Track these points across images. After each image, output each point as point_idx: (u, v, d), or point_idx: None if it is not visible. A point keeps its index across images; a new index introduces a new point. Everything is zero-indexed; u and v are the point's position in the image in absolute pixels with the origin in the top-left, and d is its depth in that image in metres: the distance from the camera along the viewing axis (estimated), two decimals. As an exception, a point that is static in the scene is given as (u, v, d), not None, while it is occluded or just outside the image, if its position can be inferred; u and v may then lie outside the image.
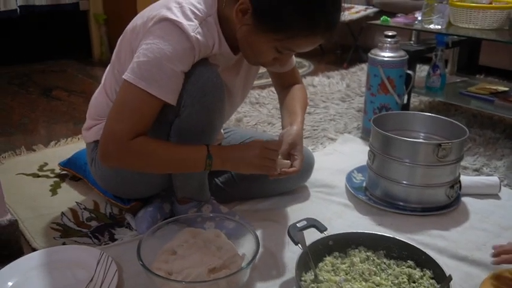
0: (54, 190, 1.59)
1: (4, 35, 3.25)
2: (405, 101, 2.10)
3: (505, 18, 2.02)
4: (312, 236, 1.11)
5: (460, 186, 1.49)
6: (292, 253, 1.19)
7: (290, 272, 1.15)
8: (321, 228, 1.12)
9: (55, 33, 3.48)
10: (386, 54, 1.91)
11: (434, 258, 1.07)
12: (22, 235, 1.31)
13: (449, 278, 0.98)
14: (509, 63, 2.93)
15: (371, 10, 3.49)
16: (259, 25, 1.05)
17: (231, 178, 1.45)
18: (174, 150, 1.16)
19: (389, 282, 1.05)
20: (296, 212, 1.43)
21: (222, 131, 1.48)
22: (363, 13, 3.44)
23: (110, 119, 1.11)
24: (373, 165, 1.49)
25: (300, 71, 3.24)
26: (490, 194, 1.54)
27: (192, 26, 1.07)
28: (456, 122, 1.53)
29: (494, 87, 2.24)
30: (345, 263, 1.10)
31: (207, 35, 1.11)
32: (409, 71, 2.01)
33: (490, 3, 2.05)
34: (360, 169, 1.66)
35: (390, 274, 1.08)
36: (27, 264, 1.15)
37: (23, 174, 1.69)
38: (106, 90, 1.29)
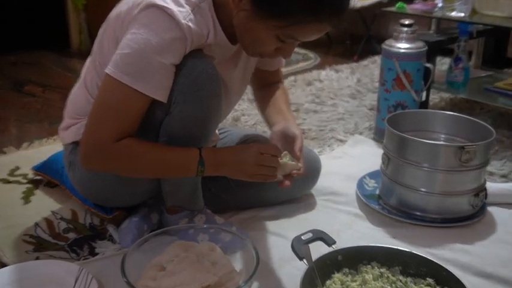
0: (26, 198, 1.58)
1: (-31, 22, 3.26)
2: (423, 98, 2.10)
3: (537, 5, 2.03)
4: (318, 250, 1.11)
5: (486, 194, 1.49)
6: (296, 269, 1.18)
7: (294, 291, 1.15)
8: (328, 241, 1.12)
9: (27, 20, 3.48)
10: (402, 46, 1.91)
11: (456, 275, 1.07)
12: (-10, 248, 1.31)
13: (474, 298, 0.99)
14: (541, 55, 2.94)
15: (385, -5, 3.51)
16: (258, 10, 1.05)
17: (226, 183, 1.45)
18: (163, 154, 1.16)
19: (406, 303, 1.06)
20: (301, 223, 1.43)
21: (217, 131, 1.49)
22: (376, -2, 3.45)
23: (91, 119, 1.11)
24: (387, 170, 1.50)
25: (305, 63, 3.25)
26: (520, 203, 1.55)
27: (183, 13, 1.08)
28: (481, 122, 1.53)
29: (524, 83, 2.25)
30: (355, 281, 1.10)
31: (201, 23, 1.11)
32: (428, 64, 2.01)
33: (520, -13, 2.06)
34: (372, 175, 1.66)
35: (407, 293, 1.08)
36: (-4, 282, 1.15)
37: (-9, 179, 1.69)
38: (86, 85, 1.30)
